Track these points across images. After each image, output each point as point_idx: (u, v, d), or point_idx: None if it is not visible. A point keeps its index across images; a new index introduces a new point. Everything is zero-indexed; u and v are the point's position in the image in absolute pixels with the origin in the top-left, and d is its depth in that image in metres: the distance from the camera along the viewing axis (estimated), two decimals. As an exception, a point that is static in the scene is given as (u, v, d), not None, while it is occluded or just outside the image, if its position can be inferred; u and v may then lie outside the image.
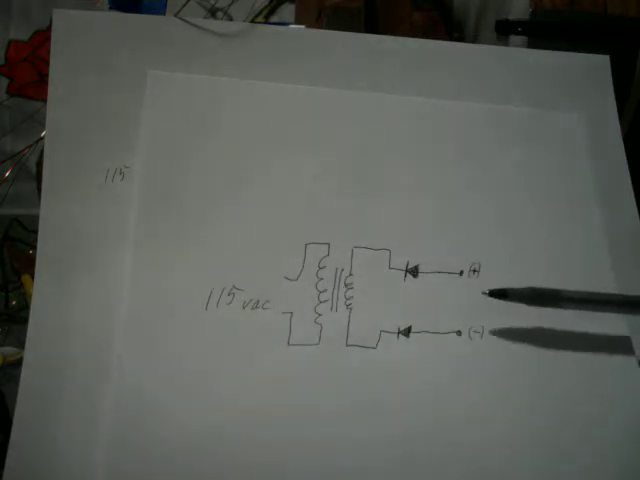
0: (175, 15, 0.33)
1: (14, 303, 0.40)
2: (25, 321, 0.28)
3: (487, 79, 0.34)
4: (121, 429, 0.26)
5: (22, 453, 0.26)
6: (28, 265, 0.39)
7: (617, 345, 0.29)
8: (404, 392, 0.28)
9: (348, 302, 0.29)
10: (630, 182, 0.33)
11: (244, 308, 0.29)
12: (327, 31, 0.34)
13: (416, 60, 0.34)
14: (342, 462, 0.27)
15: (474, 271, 0.30)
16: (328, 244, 0.30)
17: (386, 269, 0.30)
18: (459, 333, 0.29)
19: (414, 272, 0.30)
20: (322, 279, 0.29)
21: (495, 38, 0.39)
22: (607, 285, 0.30)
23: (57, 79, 0.31)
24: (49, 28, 0.33)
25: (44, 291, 0.28)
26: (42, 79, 0.45)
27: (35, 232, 0.29)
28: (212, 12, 0.47)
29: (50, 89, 0.31)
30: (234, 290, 0.29)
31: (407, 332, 0.29)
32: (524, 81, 0.34)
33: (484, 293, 0.27)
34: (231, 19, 0.47)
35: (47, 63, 0.31)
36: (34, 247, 0.29)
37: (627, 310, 0.28)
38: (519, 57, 0.35)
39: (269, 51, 0.33)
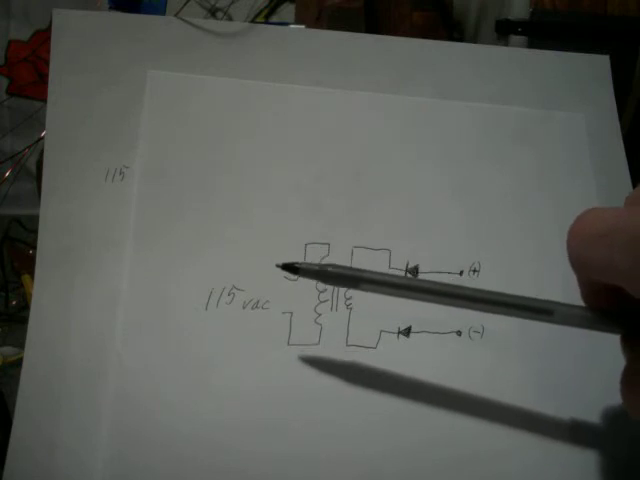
0: (175, 15, 0.33)
1: (14, 303, 0.40)
2: (25, 321, 0.28)
3: (487, 79, 0.34)
4: (121, 429, 0.26)
5: (22, 453, 0.26)
6: (28, 265, 0.40)
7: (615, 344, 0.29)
8: (404, 392, 0.28)
9: (348, 302, 0.29)
10: (630, 182, 0.33)
11: (244, 308, 0.29)
12: (327, 31, 0.34)
13: (416, 60, 0.34)
14: (341, 457, 0.27)
15: (474, 271, 0.30)
16: (328, 244, 0.30)
17: (386, 269, 0.30)
18: (459, 333, 0.29)
19: (414, 272, 0.30)
20: (322, 279, 0.29)
21: (495, 38, 0.39)
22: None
23: (57, 79, 0.31)
24: (49, 28, 0.33)
25: (44, 291, 0.28)
26: (42, 79, 0.45)
27: (35, 232, 0.29)
28: (212, 12, 0.47)
29: (50, 89, 0.31)
30: (234, 290, 0.29)
31: (407, 332, 0.29)
32: (524, 81, 0.34)
33: (277, 266, 0.25)
34: (231, 19, 0.47)
35: (47, 63, 0.31)
36: (34, 247, 0.29)
37: (435, 299, 0.24)
38: (519, 57, 0.35)
39: (269, 51, 0.33)
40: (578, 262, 0.22)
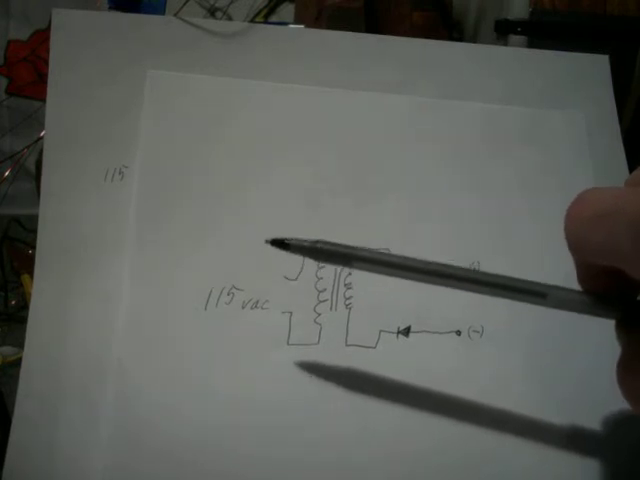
0: (175, 15, 0.33)
1: (14, 303, 0.40)
2: (25, 321, 0.28)
3: (487, 79, 0.34)
4: (120, 430, 0.26)
5: (22, 453, 0.26)
6: (28, 265, 0.40)
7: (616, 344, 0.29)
8: (403, 392, 0.28)
9: (347, 302, 0.29)
10: (630, 182, 0.33)
11: (243, 308, 0.29)
12: (327, 31, 0.34)
13: (416, 60, 0.34)
14: (341, 460, 0.27)
15: (474, 271, 0.30)
16: (328, 244, 0.30)
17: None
18: (459, 333, 0.29)
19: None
20: (321, 279, 0.29)
21: (495, 38, 0.39)
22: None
23: (56, 79, 0.31)
24: (49, 28, 0.33)
25: (43, 291, 0.28)
26: (41, 79, 0.45)
27: (34, 232, 0.29)
28: (212, 12, 0.47)
29: (49, 89, 0.31)
30: (233, 290, 0.29)
31: (407, 332, 0.29)
32: (524, 81, 0.34)
33: (267, 242, 0.24)
34: (231, 19, 0.47)
35: (46, 63, 0.31)
36: (34, 247, 0.29)
37: (433, 280, 0.24)
38: (520, 57, 0.35)
39: (269, 51, 0.33)
40: (576, 244, 0.22)
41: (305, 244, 0.24)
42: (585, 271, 0.23)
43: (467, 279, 0.23)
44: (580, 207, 0.21)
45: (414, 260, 0.24)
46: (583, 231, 0.21)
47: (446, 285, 0.23)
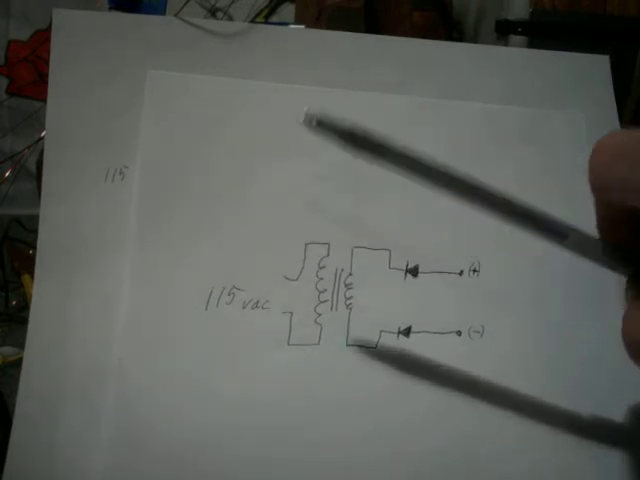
0: (175, 15, 0.33)
1: (14, 303, 0.40)
2: (25, 321, 0.28)
3: (487, 79, 0.34)
4: (121, 430, 0.26)
5: (22, 453, 0.26)
6: (28, 265, 0.39)
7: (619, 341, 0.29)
8: (405, 393, 0.28)
9: (348, 302, 0.29)
10: (630, 182, 0.33)
11: (244, 308, 0.29)
12: (327, 31, 0.34)
13: (416, 60, 0.34)
14: (342, 460, 0.27)
15: (474, 271, 0.30)
16: (328, 244, 0.30)
17: (386, 269, 0.30)
18: (459, 333, 0.29)
19: (414, 272, 0.30)
20: (322, 279, 0.29)
21: (495, 38, 0.39)
22: (608, 283, 0.30)
23: (57, 79, 0.31)
24: (49, 28, 0.33)
25: (44, 291, 0.28)
26: (42, 79, 0.45)
27: (35, 232, 0.29)
28: (212, 12, 0.47)
29: (50, 89, 0.31)
30: (234, 290, 0.29)
31: (407, 332, 0.29)
32: (524, 81, 0.34)
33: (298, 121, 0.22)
34: (231, 19, 0.47)
35: (47, 63, 0.31)
36: (34, 247, 0.29)
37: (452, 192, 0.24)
38: (519, 57, 0.35)
39: (269, 51, 0.33)
40: (598, 180, 0.21)
41: (344, 124, 0.22)
42: (605, 215, 0.23)
43: (496, 201, 0.23)
44: (605, 142, 0.21)
45: (444, 173, 0.23)
46: (607, 166, 0.20)
47: (472, 204, 0.23)
